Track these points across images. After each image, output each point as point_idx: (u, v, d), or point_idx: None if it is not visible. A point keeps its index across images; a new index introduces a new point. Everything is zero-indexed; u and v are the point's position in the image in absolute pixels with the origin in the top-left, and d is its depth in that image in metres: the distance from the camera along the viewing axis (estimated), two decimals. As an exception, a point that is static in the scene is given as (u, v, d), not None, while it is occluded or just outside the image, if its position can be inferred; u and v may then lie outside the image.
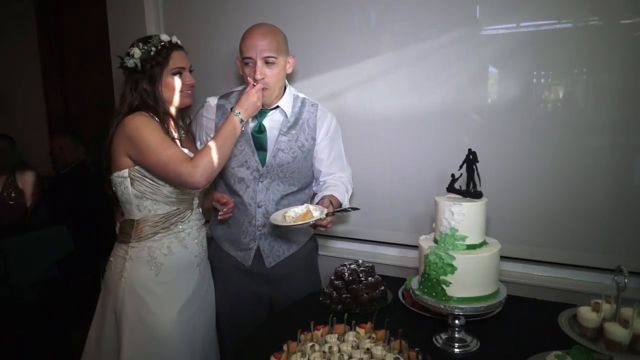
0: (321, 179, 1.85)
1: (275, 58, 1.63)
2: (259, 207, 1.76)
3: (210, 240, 1.86)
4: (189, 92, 1.68)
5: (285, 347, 1.31)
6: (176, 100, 1.65)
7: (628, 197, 1.66)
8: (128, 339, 1.56)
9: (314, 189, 1.90)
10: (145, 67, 1.59)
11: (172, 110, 1.67)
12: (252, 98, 1.58)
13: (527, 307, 1.60)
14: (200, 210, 1.74)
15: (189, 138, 1.78)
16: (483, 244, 1.38)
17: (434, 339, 1.42)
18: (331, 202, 1.69)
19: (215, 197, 1.80)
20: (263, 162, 1.74)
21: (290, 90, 1.79)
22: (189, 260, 1.67)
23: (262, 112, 1.73)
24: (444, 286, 1.32)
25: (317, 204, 1.68)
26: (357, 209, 1.73)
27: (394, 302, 1.67)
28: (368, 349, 1.28)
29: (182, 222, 1.65)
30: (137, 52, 1.59)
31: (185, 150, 1.56)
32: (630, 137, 1.64)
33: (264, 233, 1.78)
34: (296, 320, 1.42)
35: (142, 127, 1.52)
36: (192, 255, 1.68)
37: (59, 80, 3.93)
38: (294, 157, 1.75)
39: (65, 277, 3.02)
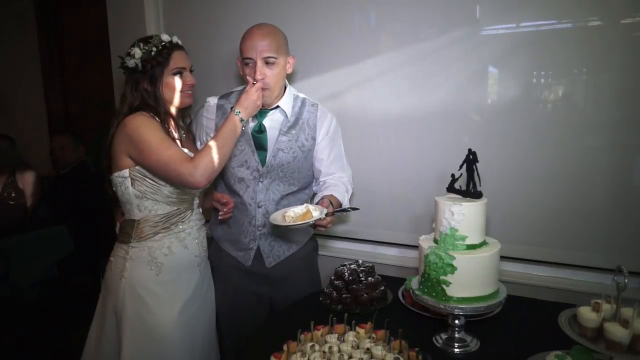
0: (321, 179, 1.85)
1: (276, 58, 1.63)
2: (259, 207, 1.76)
3: (210, 240, 1.86)
4: (189, 92, 1.68)
5: (285, 347, 1.31)
6: (177, 100, 1.65)
7: (628, 197, 1.66)
8: (128, 339, 1.56)
9: (314, 188, 1.90)
10: (146, 67, 1.59)
11: (173, 110, 1.67)
12: (252, 97, 1.58)
13: (527, 307, 1.60)
14: (201, 210, 1.75)
15: (189, 138, 1.78)
16: (483, 244, 1.38)
17: (434, 339, 1.42)
18: (331, 202, 1.69)
19: (215, 197, 1.80)
20: (263, 162, 1.74)
21: (290, 90, 1.79)
22: (189, 260, 1.67)
23: (262, 112, 1.73)
24: (444, 286, 1.32)
25: (316, 203, 1.68)
26: (356, 209, 1.73)
27: (394, 302, 1.67)
28: (368, 349, 1.28)
29: (183, 222, 1.65)
30: (137, 52, 1.59)
31: (186, 150, 1.56)
32: (630, 137, 1.64)
33: (264, 233, 1.78)
34: (296, 320, 1.42)
35: (142, 127, 1.52)
36: (192, 255, 1.68)
37: (59, 80, 3.93)
38: (294, 157, 1.75)
39: (65, 277, 3.02)
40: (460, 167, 1.39)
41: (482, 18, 1.79)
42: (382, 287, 1.68)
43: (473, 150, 1.38)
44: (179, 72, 1.64)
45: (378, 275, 1.74)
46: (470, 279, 1.32)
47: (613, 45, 1.62)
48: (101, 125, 2.05)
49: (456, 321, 1.38)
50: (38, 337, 2.88)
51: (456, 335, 1.39)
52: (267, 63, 1.63)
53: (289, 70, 1.73)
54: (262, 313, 1.86)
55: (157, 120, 1.56)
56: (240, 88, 1.81)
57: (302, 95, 1.82)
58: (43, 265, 2.84)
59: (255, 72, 1.61)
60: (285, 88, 1.77)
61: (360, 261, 1.78)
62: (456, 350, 1.37)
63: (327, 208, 1.63)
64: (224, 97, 1.81)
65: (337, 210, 1.70)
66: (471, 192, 1.37)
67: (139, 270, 1.59)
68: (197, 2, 2.31)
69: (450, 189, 1.42)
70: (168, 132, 1.58)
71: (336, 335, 1.35)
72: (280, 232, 1.79)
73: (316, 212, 1.60)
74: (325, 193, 1.75)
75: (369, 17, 1.98)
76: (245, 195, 1.76)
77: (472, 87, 1.83)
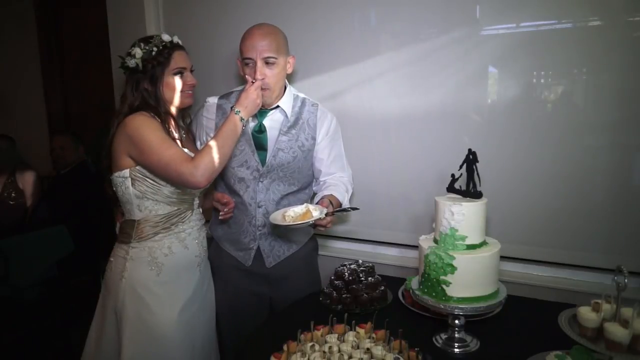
0: (321, 179, 1.85)
1: (276, 58, 1.63)
2: (259, 207, 1.76)
3: (210, 240, 1.86)
4: (190, 92, 1.68)
5: (285, 347, 1.31)
6: (177, 100, 1.65)
7: (628, 197, 1.66)
8: (128, 339, 1.56)
9: (314, 188, 1.90)
10: (147, 67, 1.59)
11: (173, 110, 1.67)
12: (252, 96, 1.58)
13: (527, 307, 1.60)
14: (201, 210, 1.75)
15: (190, 138, 1.78)
16: (483, 244, 1.38)
17: (434, 339, 1.42)
18: (331, 202, 1.69)
19: (216, 197, 1.80)
20: (263, 162, 1.74)
21: (290, 90, 1.79)
22: (189, 261, 1.67)
23: (262, 112, 1.73)
24: (444, 286, 1.32)
25: (316, 203, 1.68)
26: (356, 208, 1.74)
27: (394, 302, 1.67)
28: (368, 349, 1.28)
29: (183, 222, 1.65)
30: (138, 52, 1.59)
31: (186, 150, 1.56)
32: (630, 137, 1.64)
33: (264, 233, 1.78)
34: (296, 320, 1.42)
35: (143, 127, 1.52)
36: (192, 255, 1.68)
37: (59, 80, 3.93)
38: (294, 156, 1.75)
39: (65, 277, 3.02)
40: (460, 167, 1.39)
41: (482, 18, 1.79)
42: (382, 287, 1.68)
43: (473, 150, 1.38)
44: (180, 72, 1.64)
45: (378, 275, 1.74)
46: (470, 279, 1.32)
47: (613, 45, 1.62)
48: (101, 125, 2.05)
49: (456, 321, 1.38)
50: (38, 337, 2.88)
51: (456, 335, 1.39)
52: (267, 63, 1.63)
53: (289, 70, 1.73)
54: (262, 313, 1.86)
55: (157, 120, 1.56)
56: (240, 88, 1.81)
57: (302, 95, 1.82)
58: (43, 265, 2.84)
59: (255, 72, 1.61)
60: (285, 88, 1.77)
61: (360, 261, 1.78)
62: (456, 350, 1.37)
63: (327, 208, 1.63)
64: (224, 97, 1.81)
65: (337, 210, 1.70)
66: (471, 192, 1.37)
67: (139, 270, 1.59)
68: (197, 2, 2.31)
69: (450, 189, 1.42)
70: (168, 132, 1.58)
71: (336, 335, 1.35)
72: (280, 232, 1.79)
73: (316, 212, 1.60)
74: (325, 193, 1.75)
75: (369, 17, 1.98)
76: (246, 195, 1.76)
77: (472, 87, 1.83)
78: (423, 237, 1.48)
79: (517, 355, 1.28)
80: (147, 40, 1.62)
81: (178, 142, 1.62)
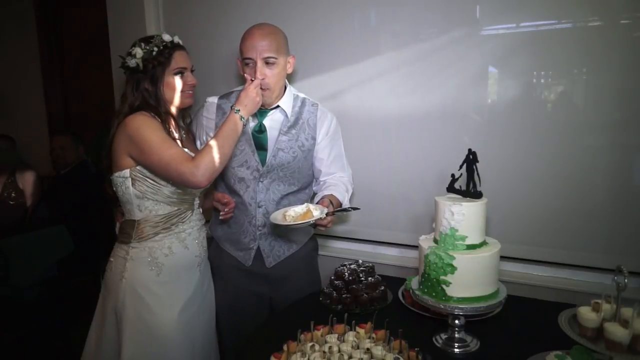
0: (321, 179, 1.85)
1: (276, 58, 1.64)
2: (259, 207, 1.76)
3: (210, 240, 1.86)
4: (190, 92, 1.68)
5: (285, 347, 1.31)
6: (177, 100, 1.65)
7: (628, 197, 1.66)
8: (129, 339, 1.56)
9: (314, 188, 1.90)
10: (147, 67, 1.59)
11: (173, 110, 1.67)
12: (251, 94, 1.58)
13: (527, 307, 1.60)
14: (201, 210, 1.74)
15: (190, 138, 1.78)
16: (483, 244, 1.38)
17: (434, 339, 1.42)
18: (331, 202, 1.69)
19: (216, 197, 1.80)
20: (263, 161, 1.74)
21: (290, 90, 1.79)
22: (189, 261, 1.67)
23: (262, 112, 1.73)
24: (444, 286, 1.32)
25: (317, 203, 1.68)
26: (357, 208, 1.73)
27: (394, 302, 1.67)
28: (368, 349, 1.28)
29: (183, 222, 1.65)
30: (139, 51, 1.59)
31: (186, 150, 1.56)
32: (630, 137, 1.64)
33: (264, 233, 1.78)
34: (296, 320, 1.42)
35: (143, 127, 1.52)
36: (192, 255, 1.68)
37: (59, 80, 3.93)
38: (294, 156, 1.75)
39: (65, 277, 3.02)
40: (460, 167, 1.39)
41: (482, 18, 1.79)
42: (382, 287, 1.68)
43: (473, 150, 1.38)
44: (180, 72, 1.64)
45: (378, 275, 1.74)
46: (470, 279, 1.32)
47: (613, 45, 1.62)
48: (101, 125, 2.05)
49: (456, 321, 1.38)
50: (38, 337, 2.88)
51: (456, 335, 1.39)
52: (267, 63, 1.63)
53: (289, 70, 1.74)
54: (262, 313, 1.86)
55: (157, 120, 1.56)
56: (240, 88, 1.81)
57: (302, 95, 1.82)
58: (43, 265, 2.84)
59: (255, 72, 1.62)
60: (285, 88, 1.77)
61: (360, 261, 1.78)
62: (456, 350, 1.37)
63: (327, 207, 1.63)
64: (224, 97, 1.81)
65: (338, 210, 1.70)
66: (471, 192, 1.37)
67: (140, 270, 1.59)
68: (197, 2, 2.31)
69: (450, 189, 1.42)
70: (169, 132, 1.58)
71: (336, 335, 1.35)
72: (281, 232, 1.79)
73: (317, 212, 1.60)
74: (326, 193, 1.75)
75: (369, 17, 1.98)
76: (246, 195, 1.76)
77: (472, 87, 1.83)
78: (423, 237, 1.48)
79: (517, 355, 1.28)
80: (147, 40, 1.62)
81: (178, 142, 1.62)
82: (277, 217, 1.63)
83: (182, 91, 1.65)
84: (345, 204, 1.78)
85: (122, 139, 1.54)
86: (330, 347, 1.28)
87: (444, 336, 1.42)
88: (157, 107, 1.59)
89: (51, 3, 3.82)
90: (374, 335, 1.35)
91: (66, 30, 3.87)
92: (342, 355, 1.25)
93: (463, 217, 1.33)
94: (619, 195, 1.67)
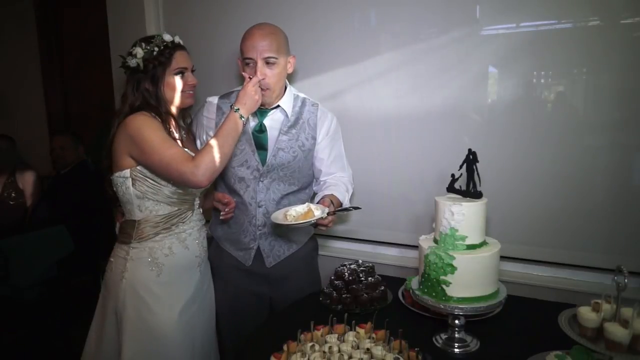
0: (321, 179, 1.85)
1: (276, 58, 1.64)
2: (259, 206, 1.76)
3: (211, 240, 1.86)
4: (191, 92, 1.68)
5: (285, 347, 1.31)
6: (178, 100, 1.65)
7: (628, 197, 1.66)
8: (129, 339, 1.56)
9: (314, 188, 1.90)
10: (148, 67, 1.59)
11: (174, 110, 1.67)
12: (250, 92, 1.57)
13: (527, 307, 1.60)
14: (201, 210, 1.74)
15: (190, 138, 1.78)
16: (483, 244, 1.38)
17: (434, 339, 1.42)
18: (332, 202, 1.69)
19: (216, 197, 1.80)
20: (263, 161, 1.74)
21: (290, 90, 1.79)
22: (189, 261, 1.67)
23: (262, 112, 1.73)
24: (444, 286, 1.32)
25: (317, 203, 1.68)
26: (358, 207, 1.73)
27: (394, 302, 1.67)
28: (368, 349, 1.28)
29: (183, 222, 1.65)
30: (139, 51, 1.59)
31: (187, 150, 1.56)
32: (630, 137, 1.64)
33: (264, 233, 1.78)
34: (296, 320, 1.42)
35: (144, 126, 1.52)
36: (193, 255, 1.68)
37: (59, 80, 3.93)
38: (295, 156, 1.75)
39: (65, 277, 3.02)
40: (460, 167, 1.39)
41: (482, 18, 1.79)
42: (382, 287, 1.68)
43: (473, 150, 1.38)
44: (181, 72, 1.64)
45: (378, 275, 1.74)
46: (470, 279, 1.32)
47: (613, 45, 1.62)
48: (101, 125, 2.05)
49: (456, 321, 1.38)
50: (38, 337, 2.88)
51: (456, 335, 1.39)
52: (267, 63, 1.63)
53: (290, 70, 1.73)
54: (262, 313, 1.86)
55: (158, 120, 1.56)
56: (240, 88, 1.81)
57: (302, 95, 1.82)
58: (43, 265, 2.84)
59: (256, 72, 1.62)
60: (285, 88, 1.77)
61: (360, 261, 1.78)
62: (456, 350, 1.37)
63: (328, 207, 1.63)
64: (224, 96, 1.81)
65: (339, 210, 1.70)
66: (471, 192, 1.37)
67: (140, 270, 1.59)
68: (197, 2, 2.31)
69: (450, 189, 1.42)
70: (169, 132, 1.58)
71: (336, 335, 1.35)
72: (281, 232, 1.79)
73: (318, 211, 1.60)
74: (326, 192, 1.75)
75: (369, 17, 1.98)
76: (246, 195, 1.76)
77: (472, 87, 1.83)
78: (423, 237, 1.48)
79: (517, 355, 1.28)
80: (148, 40, 1.62)
81: (179, 142, 1.62)
82: (278, 216, 1.63)
83: (182, 91, 1.65)
84: (346, 203, 1.78)
85: (123, 139, 1.54)
86: (330, 347, 1.28)
87: (444, 336, 1.42)
88: (157, 107, 1.59)
89: (51, 3, 3.82)
90: (374, 335, 1.35)
91: (66, 30, 3.87)
92: (342, 355, 1.25)
93: (463, 217, 1.33)
94: (619, 195, 1.67)
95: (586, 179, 1.71)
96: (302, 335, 1.33)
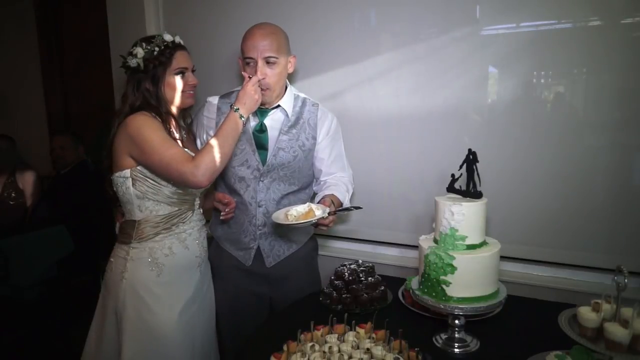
0: (322, 179, 1.85)
1: (277, 58, 1.64)
2: (259, 206, 1.76)
3: (211, 240, 1.86)
4: (191, 92, 1.68)
5: (285, 347, 1.31)
6: (178, 100, 1.65)
7: (628, 197, 1.66)
8: (129, 339, 1.56)
9: (314, 188, 1.90)
10: (148, 67, 1.59)
11: (174, 110, 1.67)
12: (249, 92, 1.57)
13: (527, 307, 1.60)
14: (201, 211, 1.74)
15: (190, 138, 1.78)
16: (483, 244, 1.38)
17: (434, 339, 1.42)
18: (332, 202, 1.69)
19: (217, 197, 1.80)
20: (264, 161, 1.74)
21: (291, 90, 1.79)
22: (190, 261, 1.67)
23: (263, 112, 1.73)
24: (444, 286, 1.32)
25: (318, 203, 1.68)
26: (359, 207, 1.73)
27: (394, 302, 1.67)
28: (368, 349, 1.28)
29: (184, 222, 1.65)
30: (140, 51, 1.59)
31: (187, 150, 1.56)
32: (630, 137, 1.64)
33: (264, 232, 1.78)
34: (296, 320, 1.42)
35: (144, 127, 1.52)
36: (193, 255, 1.68)
37: (59, 80, 3.93)
38: (295, 156, 1.75)
39: (65, 277, 3.02)
40: (460, 167, 1.39)
41: (482, 18, 1.79)
42: (382, 287, 1.68)
43: (473, 150, 1.38)
44: (181, 72, 1.64)
45: (378, 275, 1.74)
46: (470, 279, 1.32)
47: (613, 45, 1.62)
48: (101, 125, 2.05)
49: (456, 321, 1.38)
50: (38, 337, 2.88)
51: (456, 335, 1.39)
52: (268, 63, 1.63)
53: (290, 70, 1.74)
54: (262, 313, 1.86)
55: (158, 120, 1.56)
56: (240, 87, 1.81)
57: (302, 95, 1.82)
58: (43, 265, 2.84)
59: (256, 71, 1.61)
60: (286, 88, 1.77)
61: (360, 261, 1.78)
62: (456, 350, 1.37)
63: (329, 207, 1.63)
64: (224, 96, 1.81)
65: (340, 210, 1.70)
66: (471, 192, 1.37)
67: (140, 270, 1.59)
68: (197, 2, 2.31)
69: (450, 189, 1.42)
70: (169, 132, 1.58)
71: (336, 335, 1.35)
72: (282, 231, 1.79)
73: (319, 211, 1.60)
74: (326, 192, 1.75)
75: (369, 17, 1.98)
76: (246, 195, 1.76)
77: (472, 87, 1.83)
78: (423, 237, 1.48)
79: (517, 355, 1.28)
80: (148, 40, 1.62)
81: (179, 142, 1.62)
82: (279, 216, 1.63)
83: (183, 91, 1.65)
84: (346, 203, 1.78)
85: (123, 139, 1.54)
86: (330, 347, 1.28)
87: (444, 336, 1.42)
88: (158, 107, 1.59)
89: (51, 3, 3.82)
90: (374, 335, 1.35)
91: (66, 30, 3.87)
92: (342, 355, 1.25)
93: (463, 217, 1.33)
94: (619, 195, 1.67)
95: (586, 179, 1.71)
96: (302, 335, 1.33)
